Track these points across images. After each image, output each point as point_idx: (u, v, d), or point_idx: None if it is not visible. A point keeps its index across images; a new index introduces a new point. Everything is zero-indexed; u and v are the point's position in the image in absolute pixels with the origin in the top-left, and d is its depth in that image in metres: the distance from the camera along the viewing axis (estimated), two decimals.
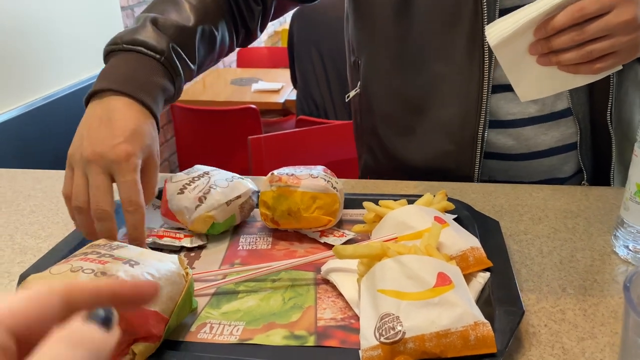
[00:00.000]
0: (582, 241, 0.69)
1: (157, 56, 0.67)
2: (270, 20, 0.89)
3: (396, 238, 0.60)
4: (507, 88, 0.80)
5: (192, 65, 0.74)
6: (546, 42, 0.60)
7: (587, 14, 0.57)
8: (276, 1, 0.87)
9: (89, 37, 2.05)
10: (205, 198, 0.67)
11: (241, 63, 3.44)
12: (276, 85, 2.64)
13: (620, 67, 0.62)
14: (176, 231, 0.69)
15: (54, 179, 0.92)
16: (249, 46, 0.94)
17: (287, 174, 0.69)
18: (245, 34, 0.86)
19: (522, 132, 0.85)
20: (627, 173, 0.93)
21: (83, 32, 2.01)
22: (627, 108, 0.86)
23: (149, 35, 0.68)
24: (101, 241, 0.55)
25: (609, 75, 0.78)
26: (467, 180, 0.87)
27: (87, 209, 0.58)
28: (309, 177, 0.68)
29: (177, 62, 0.70)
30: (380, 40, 0.87)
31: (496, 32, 0.61)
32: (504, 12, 0.78)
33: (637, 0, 0.59)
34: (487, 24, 0.78)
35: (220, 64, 3.23)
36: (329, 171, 0.72)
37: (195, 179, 0.70)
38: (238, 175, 0.73)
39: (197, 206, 0.67)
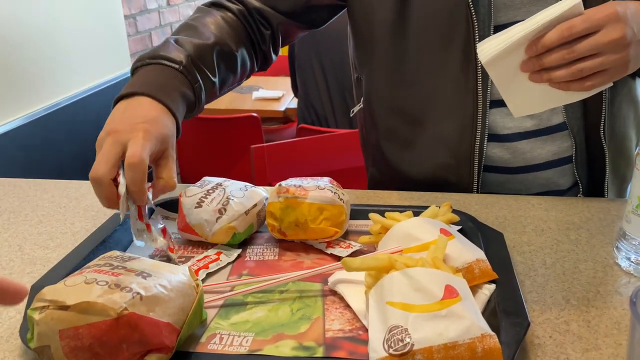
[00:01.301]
0: (585, 253, 0.70)
1: (176, 66, 0.74)
2: (282, 46, 0.94)
3: (401, 250, 0.61)
4: (502, 103, 0.81)
5: (212, 78, 0.79)
6: (537, 59, 0.61)
7: (576, 33, 0.59)
8: (282, 26, 0.91)
9: (92, 46, 2.06)
10: (225, 210, 0.68)
11: None
12: (277, 93, 2.65)
13: (612, 84, 0.64)
14: (205, 256, 0.69)
15: (62, 189, 0.93)
16: None
17: (294, 185, 0.70)
18: (262, 56, 0.92)
19: (519, 146, 0.86)
20: (621, 186, 0.95)
21: (86, 41, 2.02)
22: (621, 123, 0.88)
23: (169, 50, 0.75)
24: (113, 253, 0.56)
25: (602, 91, 0.79)
26: (467, 193, 0.88)
27: (102, 181, 0.61)
28: (316, 189, 0.69)
29: (196, 71, 0.76)
30: (378, 58, 0.89)
31: (487, 49, 0.62)
32: (498, 28, 0.80)
33: (625, 20, 0.60)
34: (480, 41, 0.79)
35: None
36: (335, 182, 0.73)
37: (210, 191, 0.70)
38: (250, 184, 0.75)
39: (218, 218, 0.68)
